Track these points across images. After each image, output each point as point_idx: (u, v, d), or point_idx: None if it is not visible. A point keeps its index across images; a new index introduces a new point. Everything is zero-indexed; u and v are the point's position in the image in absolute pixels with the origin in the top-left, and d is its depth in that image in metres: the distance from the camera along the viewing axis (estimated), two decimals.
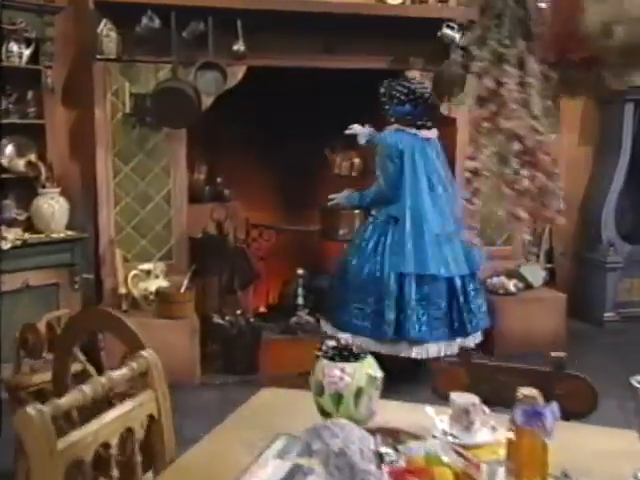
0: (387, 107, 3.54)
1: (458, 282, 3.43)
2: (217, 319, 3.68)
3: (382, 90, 3.55)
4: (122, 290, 3.70)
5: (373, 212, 3.50)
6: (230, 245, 4.08)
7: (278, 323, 4.12)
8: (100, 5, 3.68)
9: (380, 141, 3.53)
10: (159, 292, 3.62)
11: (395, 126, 3.55)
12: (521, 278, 4.17)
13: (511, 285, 4.10)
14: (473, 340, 3.42)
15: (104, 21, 3.66)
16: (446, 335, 3.38)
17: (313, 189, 4.50)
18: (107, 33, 3.66)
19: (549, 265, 4.54)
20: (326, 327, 3.60)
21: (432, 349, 3.35)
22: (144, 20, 3.61)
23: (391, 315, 3.31)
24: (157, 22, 3.61)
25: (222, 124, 4.11)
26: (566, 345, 4.06)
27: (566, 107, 4.69)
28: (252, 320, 3.70)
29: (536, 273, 4.23)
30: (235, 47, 3.76)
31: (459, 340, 3.38)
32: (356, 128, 3.63)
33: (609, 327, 4.54)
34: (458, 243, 3.41)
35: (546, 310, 4.08)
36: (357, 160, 4.58)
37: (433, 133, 3.58)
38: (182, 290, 3.65)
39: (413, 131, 3.54)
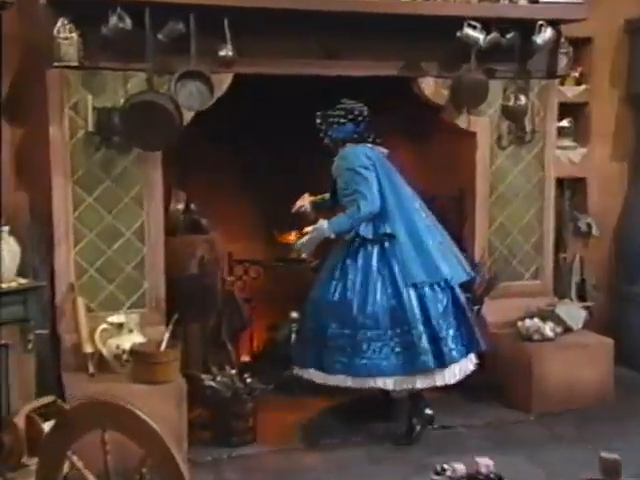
0: (329, 134, 3.73)
1: (458, 292, 3.62)
2: (207, 380, 3.52)
3: (318, 121, 3.75)
4: (87, 349, 3.53)
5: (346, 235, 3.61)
6: (215, 287, 3.95)
7: (268, 377, 3.98)
8: (55, 1, 3.52)
9: (346, 156, 3.64)
10: (135, 351, 3.47)
11: (348, 144, 3.71)
12: (558, 320, 4.12)
13: (547, 329, 4.05)
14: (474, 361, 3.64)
15: (61, 20, 3.50)
16: (464, 353, 3.60)
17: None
18: (65, 35, 3.49)
19: (588, 303, 4.49)
20: (320, 378, 3.62)
21: (457, 369, 3.56)
22: (112, 19, 3.48)
23: (424, 341, 3.45)
24: (128, 22, 3.49)
25: (198, 142, 4.04)
26: (614, 399, 4.05)
27: (597, 114, 4.82)
28: (250, 380, 3.55)
29: (575, 313, 4.20)
30: (222, 52, 3.66)
31: (472, 356, 3.62)
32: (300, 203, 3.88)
33: None
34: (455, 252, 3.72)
35: (590, 358, 4.05)
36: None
37: (385, 150, 3.75)
38: (163, 347, 3.49)
39: (369, 146, 3.71)
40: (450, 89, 4.13)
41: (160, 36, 3.56)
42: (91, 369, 3.51)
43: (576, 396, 3.97)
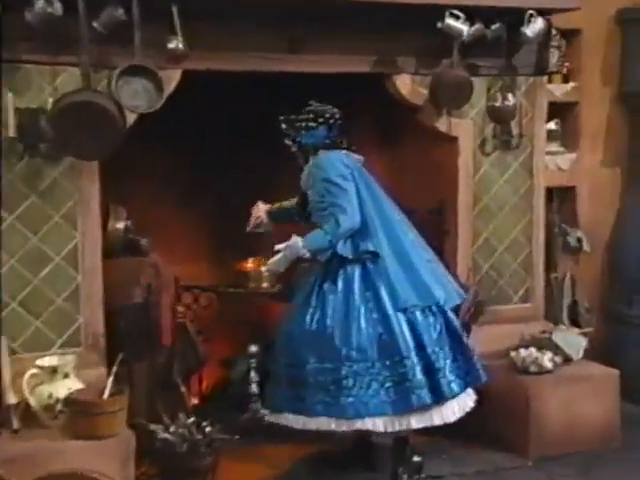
0: (298, 140, 3.69)
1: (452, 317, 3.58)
2: (159, 431, 3.36)
3: (283, 127, 3.69)
4: (10, 399, 3.33)
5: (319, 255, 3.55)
6: (164, 319, 3.85)
7: (224, 423, 3.84)
8: None
9: (320, 165, 3.58)
10: (72, 400, 3.28)
11: (321, 151, 3.66)
12: (556, 349, 4.08)
13: (546, 360, 4.00)
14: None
15: None
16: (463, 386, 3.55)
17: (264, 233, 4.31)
18: None
19: (587, 329, 4.51)
20: (298, 422, 3.49)
21: (456, 406, 3.50)
22: (38, 3, 3.31)
23: (419, 373, 3.38)
24: (58, 6, 3.33)
25: (137, 148, 3.88)
26: (620, 440, 4.04)
27: (586, 115, 4.86)
28: (209, 429, 3.40)
29: (573, 341, 4.15)
30: (171, 44, 3.54)
31: (470, 391, 3.58)
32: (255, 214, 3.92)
33: None
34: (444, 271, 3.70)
35: (594, 392, 4.00)
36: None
37: (361, 158, 3.74)
38: (107, 394, 3.31)
39: (344, 152, 3.68)
40: (429, 88, 4.09)
41: (96, 24, 3.43)
42: (15, 424, 3.30)
43: (578, 437, 3.94)
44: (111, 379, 3.37)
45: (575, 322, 4.84)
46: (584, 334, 4.35)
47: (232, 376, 4.35)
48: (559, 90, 4.82)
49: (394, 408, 3.37)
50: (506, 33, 4.08)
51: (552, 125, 4.76)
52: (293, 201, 3.88)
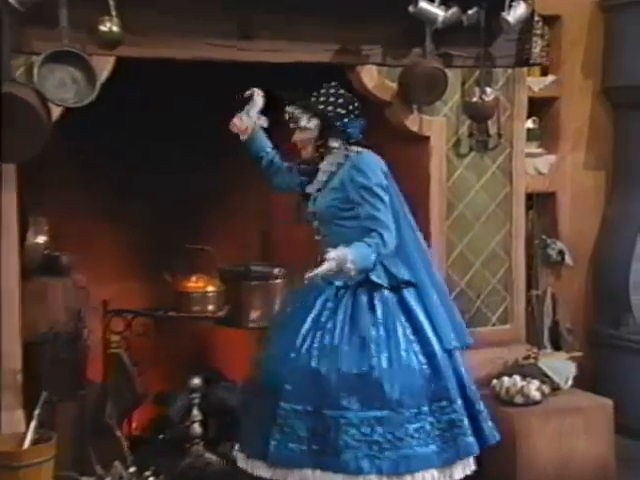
0: (344, 128, 3.46)
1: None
2: None
3: (331, 99, 3.47)
4: None
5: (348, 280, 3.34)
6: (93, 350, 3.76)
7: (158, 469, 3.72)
8: None
9: (363, 168, 3.39)
10: None
11: (358, 149, 3.51)
12: (543, 377, 4.06)
13: (533, 389, 3.96)
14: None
15: None
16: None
17: (208, 245, 4.30)
18: None
19: (576, 354, 4.46)
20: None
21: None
22: None
23: (466, 418, 3.32)
24: None
25: (55, 148, 3.71)
26: (616, 476, 4.03)
27: (567, 112, 4.90)
28: None
29: (562, 368, 4.14)
30: (104, 27, 3.40)
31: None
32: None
33: None
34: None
35: (587, 426, 3.97)
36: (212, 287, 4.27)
37: None
38: (28, 442, 3.20)
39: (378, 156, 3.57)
40: (398, 81, 4.05)
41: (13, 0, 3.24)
42: None
43: (570, 475, 3.92)
44: (33, 424, 3.27)
45: (557, 345, 4.86)
46: (573, 359, 4.33)
47: (170, 414, 4.24)
48: (537, 84, 4.81)
49: (442, 459, 3.29)
50: (484, 19, 4.05)
51: (529, 123, 4.76)
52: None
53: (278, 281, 4.35)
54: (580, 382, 4.36)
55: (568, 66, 4.91)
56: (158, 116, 4.17)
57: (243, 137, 3.68)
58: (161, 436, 4.27)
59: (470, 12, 4.02)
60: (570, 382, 4.18)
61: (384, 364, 3.23)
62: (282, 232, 4.74)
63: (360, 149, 3.45)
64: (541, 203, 4.90)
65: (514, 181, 4.43)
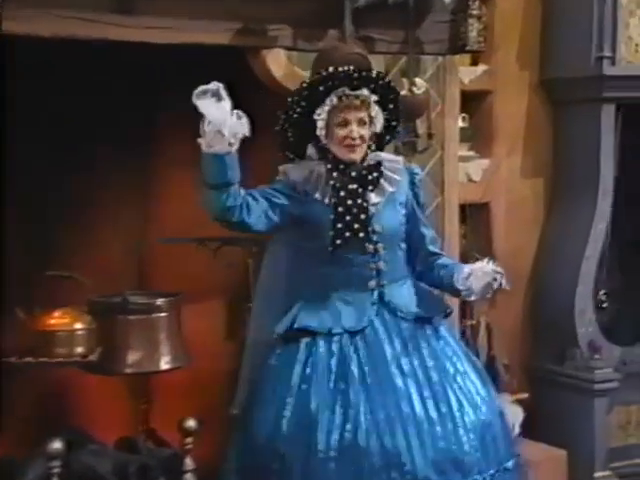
0: (399, 130, 3.61)
1: None
2: None
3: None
4: None
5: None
6: None
7: None
8: None
9: (421, 179, 3.60)
10: None
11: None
12: None
13: None
14: None
15: None
16: None
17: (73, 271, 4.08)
18: None
19: (521, 395, 4.59)
20: None
21: None
22: None
23: None
24: None
25: None
26: None
27: (502, 108, 4.99)
28: None
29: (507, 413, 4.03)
30: None
31: None
32: None
33: None
34: None
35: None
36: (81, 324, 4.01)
37: None
38: None
39: None
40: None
41: None
42: None
43: None
44: None
45: (494, 385, 4.71)
46: (518, 402, 4.41)
47: None
48: (466, 75, 4.79)
49: None
50: None
51: (459, 122, 4.68)
52: None
53: (163, 314, 4.15)
54: (526, 429, 4.41)
55: (502, 54, 4.92)
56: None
57: (222, 152, 3.14)
58: None
59: None
60: (517, 429, 4.19)
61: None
62: (163, 253, 4.55)
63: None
64: (474, 215, 4.92)
65: (446, 190, 4.38)
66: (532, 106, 5.04)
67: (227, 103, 3.06)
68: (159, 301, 4.16)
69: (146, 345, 4.10)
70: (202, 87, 3.08)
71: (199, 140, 3.09)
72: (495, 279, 3.22)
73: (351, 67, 3.33)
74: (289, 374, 3.21)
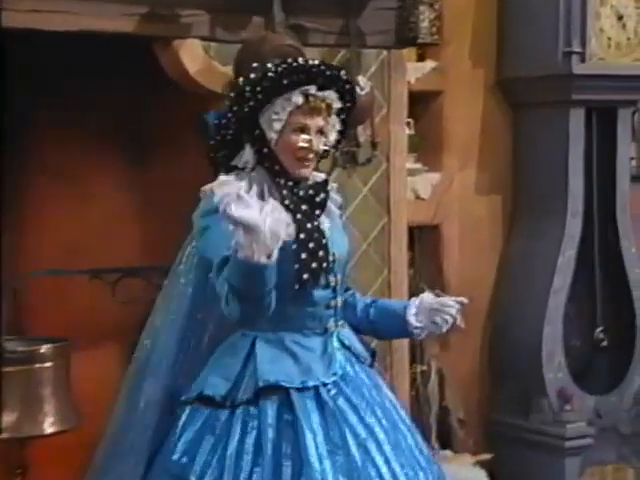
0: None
1: None
2: None
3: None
4: None
5: None
6: None
7: None
8: None
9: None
10: None
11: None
12: None
13: None
14: None
15: None
16: None
17: None
18: None
19: (484, 456, 4.52)
20: None
21: None
22: None
23: None
24: None
25: None
26: None
27: (453, 112, 5.03)
28: None
29: (469, 477, 4.27)
30: None
31: None
32: None
33: None
34: None
35: None
36: None
37: None
38: None
39: None
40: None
41: None
42: None
43: None
44: None
45: (446, 441, 4.88)
46: (480, 464, 4.43)
47: None
48: (412, 73, 4.78)
49: None
50: None
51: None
52: None
53: (47, 365, 4.07)
54: None
55: (453, 49, 4.95)
56: None
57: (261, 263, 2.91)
58: None
59: None
60: None
61: None
62: (46, 290, 4.46)
63: None
64: (422, 240, 4.94)
65: (393, 209, 4.40)
66: (488, 110, 5.07)
67: (255, 207, 2.77)
68: (42, 348, 4.11)
69: (26, 403, 4.05)
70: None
71: (234, 245, 2.89)
72: (450, 314, 3.19)
73: (315, 60, 3.18)
74: (249, 447, 3.07)
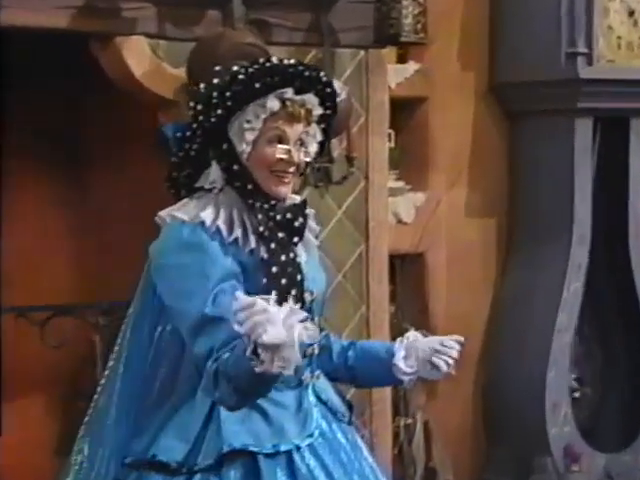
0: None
1: None
2: None
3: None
4: None
5: None
6: None
7: None
8: None
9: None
10: None
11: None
12: None
13: None
14: None
15: None
16: None
17: None
18: None
19: None
20: None
21: None
22: None
23: None
24: None
25: None
26: None
27: (440, 122, 5.03)
28: None
29: None
30: None
31: None
32: None
33: None
34: None
35: None
36: None
37: None
38: None
39: None
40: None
41: None
42: None
43: None
44: None
45: None
46: None
47: None
48: (392, 77, 4.81)
49: None
50: None
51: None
52: None
53: None
54: None
55: (438, 48, 4.96)
56: None
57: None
58: None
59: None
60: None
61: None
62: None
63: None
64: (405, 270, 4.93)
65: (372, 235, 4.46)
66: (480, 119, 5.11)
67: (278, 321, 2.60)
68: None
69: None
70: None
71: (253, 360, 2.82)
72: (452, 356, 3.08)
73: (291, 60, 3.02)
74: None
